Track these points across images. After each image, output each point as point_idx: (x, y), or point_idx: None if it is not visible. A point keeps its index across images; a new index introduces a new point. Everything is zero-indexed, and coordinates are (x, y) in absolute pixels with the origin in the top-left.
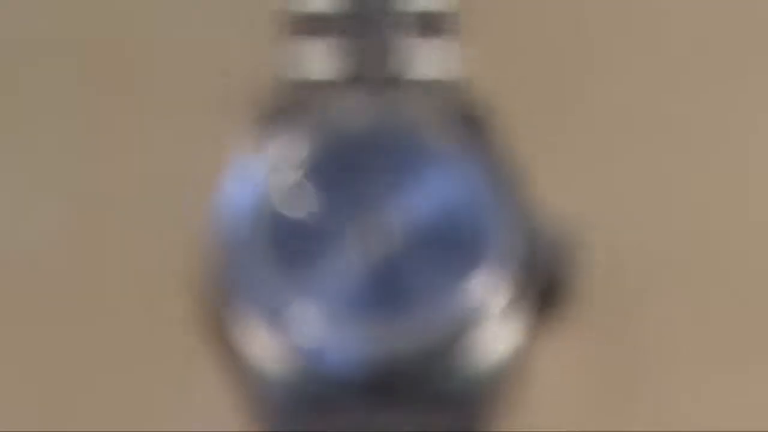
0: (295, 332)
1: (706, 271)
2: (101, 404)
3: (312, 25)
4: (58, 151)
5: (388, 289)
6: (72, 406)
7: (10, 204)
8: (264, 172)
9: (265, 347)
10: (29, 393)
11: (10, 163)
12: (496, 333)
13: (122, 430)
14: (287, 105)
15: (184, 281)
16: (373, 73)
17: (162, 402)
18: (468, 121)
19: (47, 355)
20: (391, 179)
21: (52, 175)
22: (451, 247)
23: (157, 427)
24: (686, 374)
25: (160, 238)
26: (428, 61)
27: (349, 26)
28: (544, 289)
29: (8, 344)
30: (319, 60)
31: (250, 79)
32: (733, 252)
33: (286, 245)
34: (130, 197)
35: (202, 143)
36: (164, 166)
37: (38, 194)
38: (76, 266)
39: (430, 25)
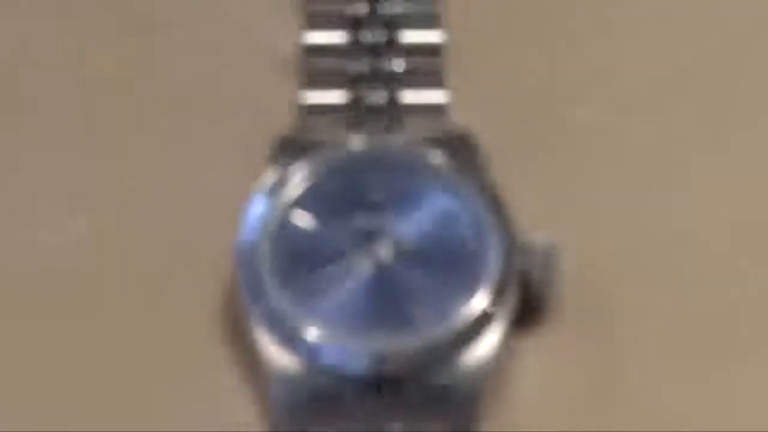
0: (305, 338)
1: (676, 275)
2: (112, 401)
3: (322, 61)
4: (78, 158)
5: (388, 296)
6: (86, 404)
7: (30, 207)
8: (277, 193)
9: (276, 351)
10: (46, 392)
11: (30, 166)
12: (487, 336)
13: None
14: (300, 133)
15: (212, 287)
16: (375, 102)
17: (168, 398)
18: (459, 148)
19: (61, 354)
20: (392, 200)
21: (71, 180)
22: (447, 259)
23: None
24: (659, 370)
25: (172, 243)
26: (423, 93)
27: (353, 59)
28: (527, 297)
29: (27, 343)
30: (327, 95)
31: (269, 110)
32: (698, 257)
33: (295, 257)
34: (145, 204)
35: (223, 164)
36: (184, 182)
37: (58, 198)
38: (92, 267)
39: (425, 60)
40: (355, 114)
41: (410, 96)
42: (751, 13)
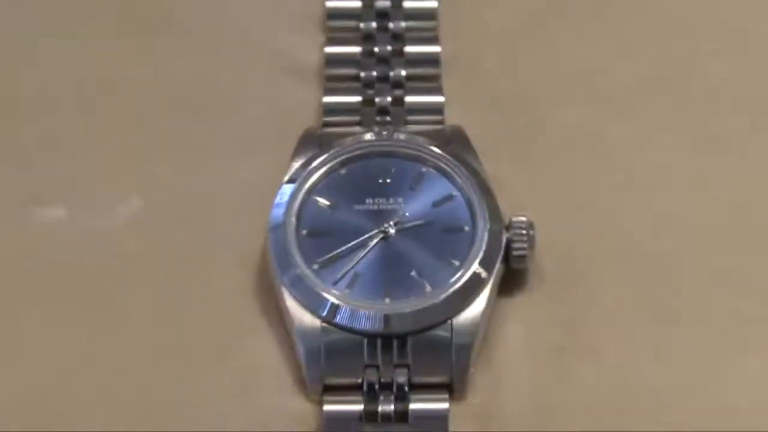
0: (324, 301)
1: (637, 252)
2: (170, 352)
3: (340, 69)
4: (133, 149)
5: (395, 265)
6: (152, 354)
7: (95, 195)
8: (302, 180)
9: (300, 312)
10: (107, 352)
11: (91, 156)
12: (477, 298)
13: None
14: (320, 129)
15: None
16: (383, 103)
17: (214, 352)
18: (453, 141)
19: (123, 322)
20: (397, 184)
21: (131, 173)
22: (444, 233)
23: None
24: (617, 334)
25: (216, 223)
26: (423, 96)
27: (365, 67)
28: (510, 265)
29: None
30: (344, 97)
31: (296, 110)
32: (656, 237)
33: (316, 234)
34: (192, 190)
35: (260, 161)
36: (225, 171)
37: (119, 187)
38: (146, 244)
39: (425, 68)
40: (367, 113)
41: (412, 98)
42: (725, 17)
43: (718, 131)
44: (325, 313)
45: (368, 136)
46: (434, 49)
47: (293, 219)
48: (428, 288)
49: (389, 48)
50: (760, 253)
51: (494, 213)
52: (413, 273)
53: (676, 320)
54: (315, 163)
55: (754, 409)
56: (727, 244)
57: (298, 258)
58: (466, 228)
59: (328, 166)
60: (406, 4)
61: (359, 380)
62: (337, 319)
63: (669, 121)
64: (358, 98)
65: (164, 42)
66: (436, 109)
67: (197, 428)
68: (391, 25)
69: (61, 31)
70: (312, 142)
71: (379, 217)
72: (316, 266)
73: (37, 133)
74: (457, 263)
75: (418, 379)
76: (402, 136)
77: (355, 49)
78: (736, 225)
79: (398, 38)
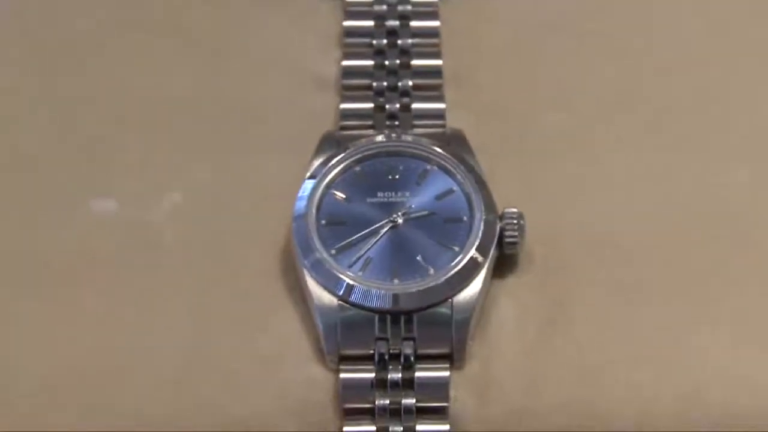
0: (341, 282)
1: (616, 242)
2: (209, 327)
3: (355, 80)
4: (178, 152)
5: (402, 251)
6: (190, 328)
7: (141, 190)
8: (321, 176)
9: (320, 291)
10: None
11: (140, 160)
12: (474, 280)
13: None
14: (338, 132)
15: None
16: (393, 109)
17: (246, 326)
18: (453, 142)
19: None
20: (405, 180)
21: (173, 172)
22: (446, 223)
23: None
24: (595, 312)
25: (247, 214)
26: (427, 103)
27: (377, 78)
28: (503, 251)
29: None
30: (358, 104)
31: (317, 115)
32: (634, 230)
33: (334, 223)
34: (226, 186)
35: (285, 160)
36: (255, 169)
37: (162, 184)
38: (185, 233)
39: (429, 79)
40: (378, 118)
41: (418, 105)
42: (686, 36)
43: (684, 133)
44: (341, 293)
45: (379, 138)
46: (437, 62)
47: (314, 210)
48: (431, 271)
49: (398, 61)
50: (720, 241)
51: (489, 205)
52: (418, 257)
53: (647, 300)
54: (333, 162)
55: (717, 379)
56: (691, 234)
57: (318, 244)
58: (465, 218)
59: (345, 164)
60: (413, 24)
61: (371, 351)
62: (352, 297)
63: (642, 126)
64: (370, 105)
65: (206, 60)
66: (439, 115)
67: (230, 395)
68: (399, 41)
69: (114, 47)
70: (330, 143)
71: (389, 208)
72: (333, 251)
73: (96, 135)
74: (456, 249)
75: (422, 351)
76: (409, 138)
77: (369, 63)
78: (700, 217)
79: (406, 53)
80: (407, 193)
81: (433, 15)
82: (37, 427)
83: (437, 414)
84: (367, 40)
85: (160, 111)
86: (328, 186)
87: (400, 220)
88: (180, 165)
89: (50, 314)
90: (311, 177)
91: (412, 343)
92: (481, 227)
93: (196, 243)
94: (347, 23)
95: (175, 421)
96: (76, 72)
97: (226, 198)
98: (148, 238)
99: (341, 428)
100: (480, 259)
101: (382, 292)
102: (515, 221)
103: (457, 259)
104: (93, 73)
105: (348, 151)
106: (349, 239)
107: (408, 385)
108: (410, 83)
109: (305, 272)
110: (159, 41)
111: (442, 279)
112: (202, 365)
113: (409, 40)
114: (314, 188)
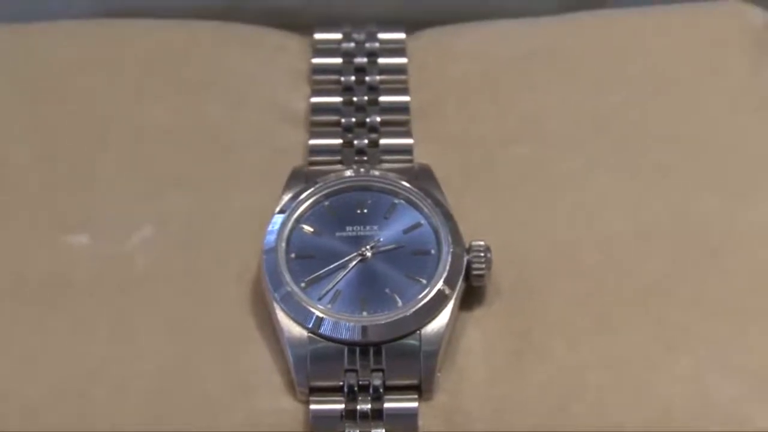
0: (310, 315)
1: (581, 269)
2: (178, 360)
3: (324, 116)
4: (147, 183)
5: (371, 284)
6: (160, 361)
7: (112, 223)
8: (291, 210)
9: (290, 324)
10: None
11: (110, 191)
12: (442, 311)
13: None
14: (307, 167)
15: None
16: (361, 145)
17: (215, 358)
18: (421, 177)
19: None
20: (373, 214)
21: (144, 205)
22: (414, 256)
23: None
24: (564, 341)
25: (216, 247)
26: (395, 138)
27: (346, 114)
28: (470, 283)
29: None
30: (327, 140)
31: (286, 151)
32: (598, 257)
33: (303, 257)
34: (196, 218)
35: (256, 194)
36: (226, 202)
37: (134, 217)
38: (155, 265)
39: (396, 116)
40: (347, 153)
41: (386, 140)
42: (661, 59)
43: (648, 163)
44: (311, 325)
45: (348, 173)
46: (404, 98)
47: (283, 244)
48: (400, 303)
49: (366, 98)
50: (690, 268)
51: (456, 238)
52: (387, 290)
53: (616, 328)
54: (302, 196)
55: (684, 404)
56: (659, 261)
57: (287, 277)
58: (432, 251)
59: (314, 198)
60: (381, 61)
61: (341, 383)
62: (322, 330)
63: (605, 156)
64: (339, 141)
65: (179, 95)
66: (406, 150)
67: (202, 424)
68: (367, 78)
69: (88, 79)
70: (300, 178)
71: (358, 242)
72: (303, 284)
73: (71, 164)
74: (424, 281)
75: (391, 382)
76: (377, 173)
77: (337, 99)
78: (666, 244)
79: (373, 89)
80: (375, 227)
81: (400, 52)
82: None
83: None
84: (335, 77)
85: (135, 143)
86: (298, 220)
87: (368, 254)
88: (153, 196)
89: (23, 339)
90: (281, 212)
91: (381, 374)
92: (449, 260)
93: (169, 273)
94: (316, 60)
95: None
96: (53, 101)
97: (196, 231)
98: (121, 267)
99: None
100: (447, 291)
101: (352, 324)
102: (482, 254)
103: (425, 292)
104: (71, 104)
105: (317, 186)
106: (319, 272)
107: (377, 416)
108: (378, 119)
109: (275, 305)
110: (134, 75)
111: (411, 311)
112: (173, 394)
113: (377, 77)
114: (284, 222)
